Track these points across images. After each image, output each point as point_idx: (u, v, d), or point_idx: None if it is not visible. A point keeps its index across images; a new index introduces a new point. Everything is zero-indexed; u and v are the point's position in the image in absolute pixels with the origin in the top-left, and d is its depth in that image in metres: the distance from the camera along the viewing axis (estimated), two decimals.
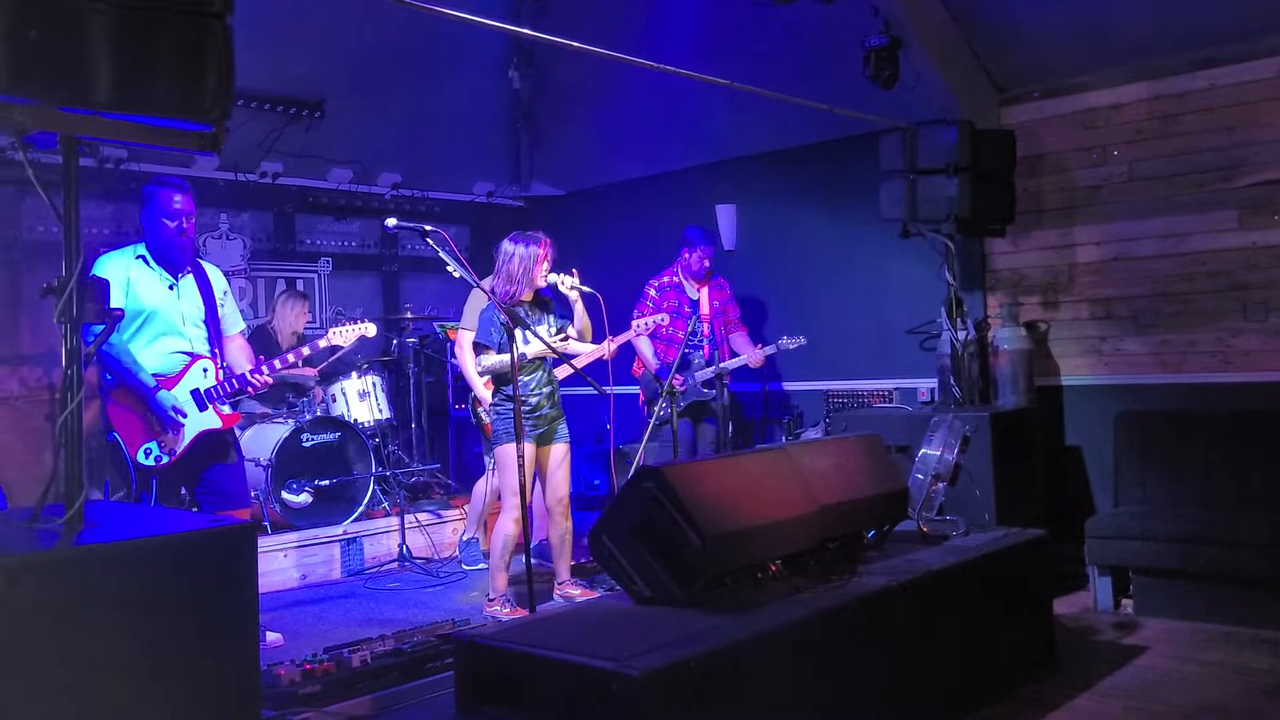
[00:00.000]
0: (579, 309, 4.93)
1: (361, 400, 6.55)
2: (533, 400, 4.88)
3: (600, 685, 2.71)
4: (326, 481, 6.07)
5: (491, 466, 5.96)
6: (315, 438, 6.09)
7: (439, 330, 7.38)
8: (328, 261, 7.76)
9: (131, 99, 2.41)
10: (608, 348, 5.45)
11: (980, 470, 5.04)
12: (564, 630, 3.18)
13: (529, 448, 4.81)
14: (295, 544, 5.79)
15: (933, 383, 6.18)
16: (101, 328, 2.71)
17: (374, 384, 6.66)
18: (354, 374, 6.61)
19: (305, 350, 4.82)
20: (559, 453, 5.02)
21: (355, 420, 6.41)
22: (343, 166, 7.61)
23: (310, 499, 6.02)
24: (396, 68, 7.23)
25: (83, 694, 2.23)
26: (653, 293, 6.36)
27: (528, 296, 4.95)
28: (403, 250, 8.15)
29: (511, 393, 4.70)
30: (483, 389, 5.76)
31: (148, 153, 6.35)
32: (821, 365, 6.68)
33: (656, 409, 5.60)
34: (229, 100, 2.55)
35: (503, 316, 4.60)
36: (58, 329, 2.47)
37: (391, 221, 4.61)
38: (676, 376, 6.12)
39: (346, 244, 7.91)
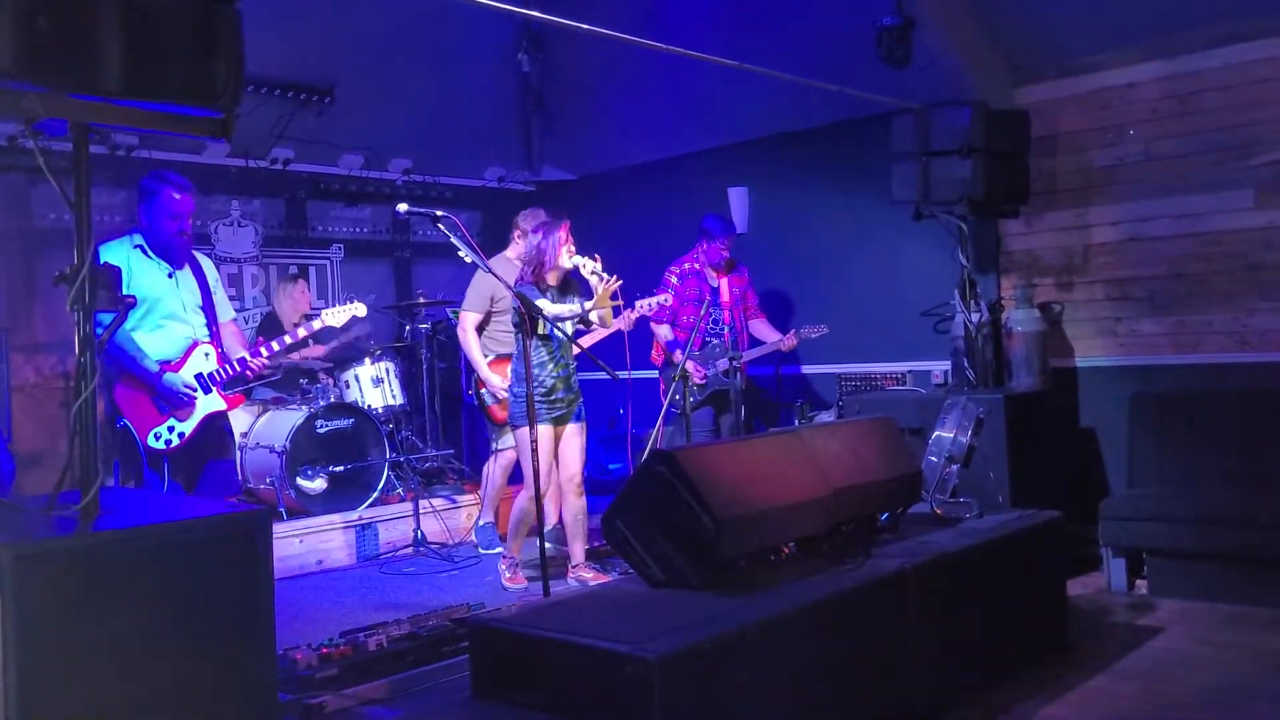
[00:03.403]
0: (600, 292, 4.94)
1: (375, 386, 6.57)
2: (548, 383, 4.88)
3: (615, 668, 2.71)
4: (341, 467, 6.09)
5: (496, 449, 5.98)
6: (329, 424, 6.11)
7: (451, 316, 7.38)
8: (339, 248, 7.77)
9: (142, 85, 2.42)
10: (626, 320, 5.58)
11: (994, 452, 5.02)
12: (578, 613, 3.19)
13: (546, 430, 4.83)
14: (310, 529, 5.81)
15: (946, 365, 6.15)
16: (113, 315, 2.74)
17: (387, 370, 6.67)
18: (367, 360, 6.63)
19: (301, 332, 5.22)
20: (572, 430, 5.03)
21: (369, 406, 6.42)
22: (354, 152, 7.60)
23: (325, 485, 6.05)
24: (406, 53, 7.21)
25: (100, 677, 2.25)
26: (674, 280, 6.28)
27: (553, 280, 4.96)
28: (414, 236, 8.15)
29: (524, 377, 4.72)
30: (486, 370, 5.77)
31: (158, 139, 6.35)
32: (834, 348, 6.65)
33: (672, 396, 5.61)
34: (239, 86, 2.55)
35: (515, 301, 4.61)
36: (71, 317, 2.48)
37: (403, 207, 4.62)
38: (699, 369, 6.10)
39: (358, 230, 7.91)
